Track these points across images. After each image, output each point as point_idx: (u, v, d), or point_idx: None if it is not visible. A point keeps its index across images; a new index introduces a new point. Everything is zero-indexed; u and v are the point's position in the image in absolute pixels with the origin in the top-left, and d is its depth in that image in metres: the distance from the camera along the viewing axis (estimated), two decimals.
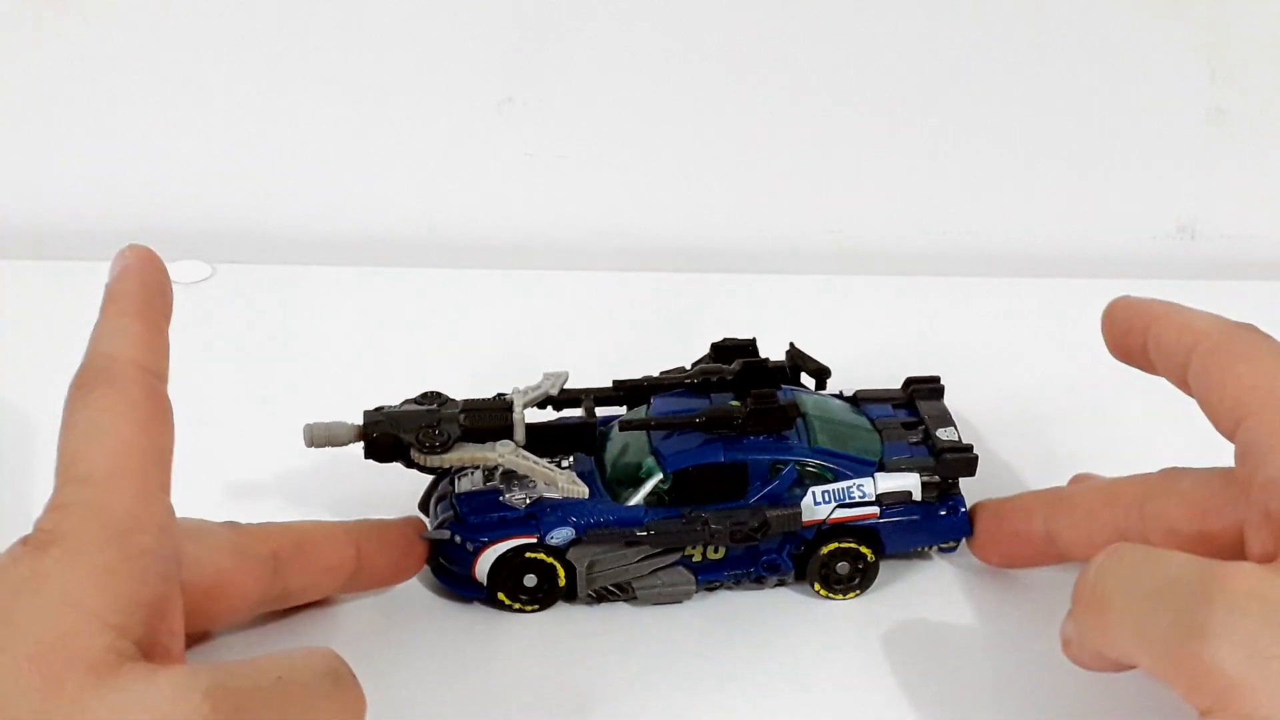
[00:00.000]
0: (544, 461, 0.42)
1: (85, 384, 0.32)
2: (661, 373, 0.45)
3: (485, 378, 0.52)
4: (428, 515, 0.44)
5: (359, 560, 0.40)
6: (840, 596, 0.44)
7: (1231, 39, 0.66)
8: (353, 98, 0.65)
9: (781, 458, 0.42)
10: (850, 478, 0.43)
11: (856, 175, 0.68)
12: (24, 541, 0.30)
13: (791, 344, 0.46)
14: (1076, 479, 0.45)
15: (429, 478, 0.44)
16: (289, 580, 0.39)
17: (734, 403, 0.43)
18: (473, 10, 0.63)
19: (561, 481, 0.41)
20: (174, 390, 0.53)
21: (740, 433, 0.42)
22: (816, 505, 0.42)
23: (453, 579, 0.42)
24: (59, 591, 0.29)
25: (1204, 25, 0.65)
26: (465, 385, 0.51)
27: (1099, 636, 0.34)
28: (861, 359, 0.50)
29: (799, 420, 0.43)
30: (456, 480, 0.43)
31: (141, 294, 0.35)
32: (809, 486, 0.42)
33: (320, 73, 0.64)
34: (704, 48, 0.65)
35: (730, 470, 0.42)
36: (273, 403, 0.53)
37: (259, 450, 0.50)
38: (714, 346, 0.46)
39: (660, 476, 0.42)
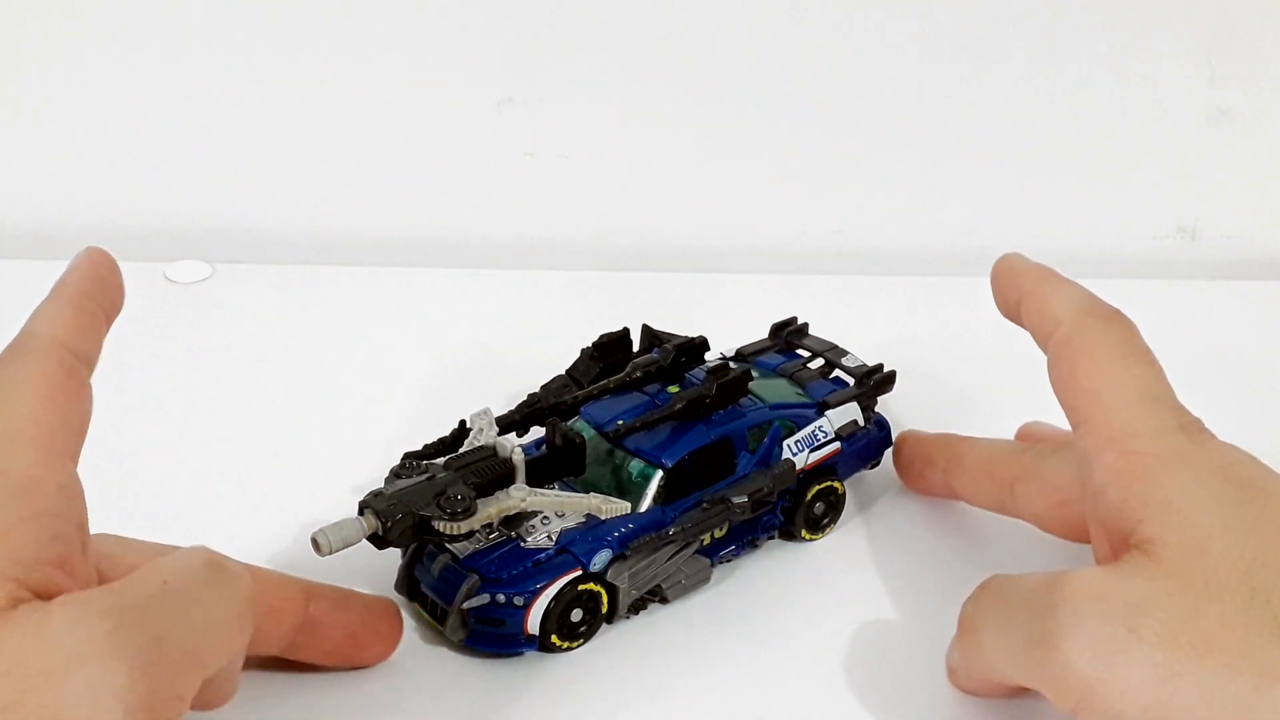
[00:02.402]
0: (566, 493, 0.41)
1: (4, 360, 0.33)
2: (589, 383, 0.45)
3: (485, 377, 0.52)
4: (410, 599, 0.41)
5: (306, 613, 0.38)
6: (821, 535, 0.46)
7: (1231, 39, 0.66)
8: (353, 98, 0.65)
9: (762, 420, 0.44)
10: (808, 423, 0.45)
11: (857, 175, 0.68)
12: None
13: (645, 325, 0.48)
14: (1023, 428, 0.47)
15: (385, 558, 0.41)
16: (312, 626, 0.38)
17: (672, 388, 0.44)
18: (473, 10, 0.63)
19: (600, 503, 0.40)
20: (174, 390, 0.54)
21: (709, 410, 0.43)
22: (795, 455, 0.45)
23: (500, 641, 0.40)
24: None
25: (1204, 25, 0.65)
26: (466, 385, 0.52)
27: (977, 661, 0.37)
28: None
29: None
30: (447, 548, 0.40)
31: (81, 285, 0.35)
32: (783, 441, 0.45)
33: (320, 73, 0.64)
34: (704, 48, 0.65)
35: (719, 447, 0.43)
36: (272, 403, 0.53)
37: (259, 450, 0.50)
38: (595, 345, 0.46)
39: (660, 474, 0.42)
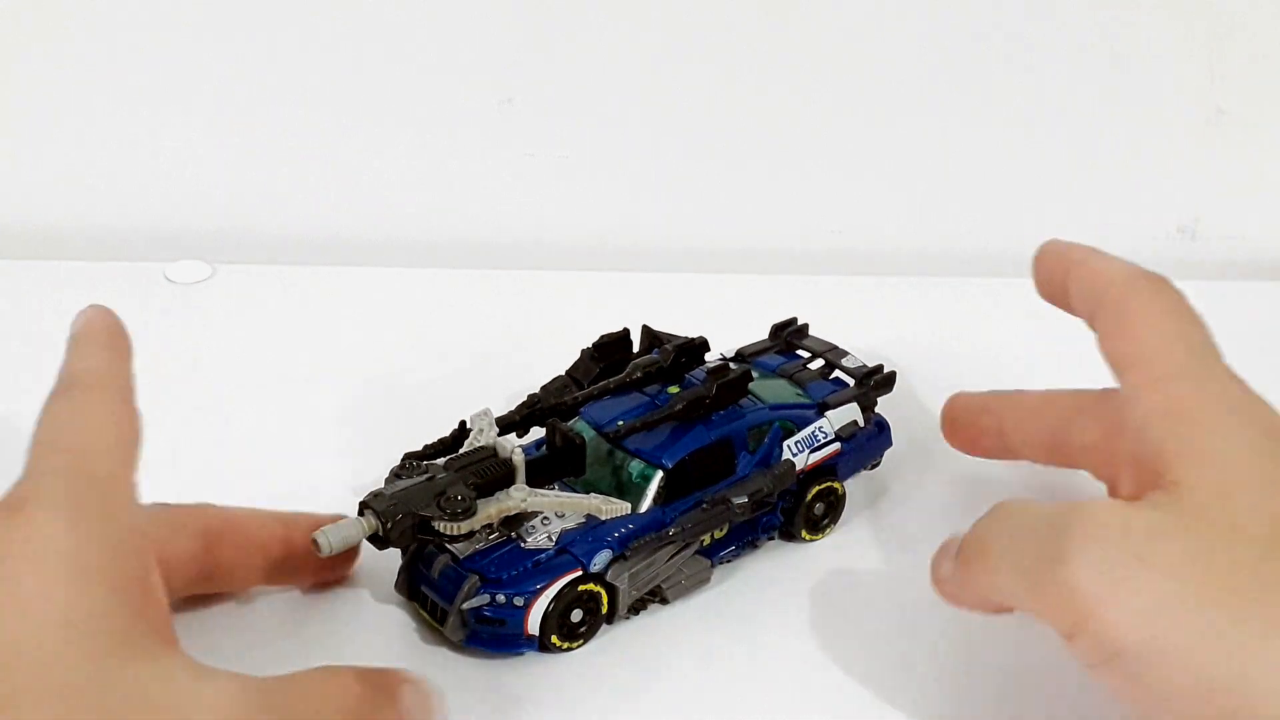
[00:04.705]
0: (565, 494, 0.41)
1: (61, 392, 0.34)
2: (589, 384, 0.45)
3: (486, 377, 0.52)
4: (410, 599, 0.42)
5: (289, 544, 0.40)
6: (821, 535, 0.46)
7: (1231, 39, 0.66)
8: (353, 98, 0.65)
9: (763, 421, 0.44)
10: (808, 424, 0.45)
11: (857, 175, 0.68)
12: (2, 507, 0.30)
13: (645, 326, 0.48)
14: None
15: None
16: (219, 556, 0.39)
17: (672, 389, 0.44)
18: (473, 11, 0.63)
19: (600, 504, 0.40)
20: (174, 390, 0.54)
21: (709, 411, 0.43)
22: (795, 455, 0.45)
23: (500, 641, 0.40)
24: (60, 554, 0.29)
25: (1204, 25, 0.65)
26: (466, 385, 0.51)
27: (983, 578, 0.37)
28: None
29: None
30: (447, 548, 0.40)
31: (106, 335, 0.37)
32: (782, 441, 0.45)
33: (321, 73, 0.64)
34: (705, 48, 0.65)
35: (720, 448, 0.43)
36: (272, 403, 0.53)
37: (259, 450, 0.50)
38: (595, 346, 0.46)
39: (661, 475, 0.42)
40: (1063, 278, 0.40)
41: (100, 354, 0.36)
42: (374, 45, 0.64)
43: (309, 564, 0.40)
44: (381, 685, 0.34)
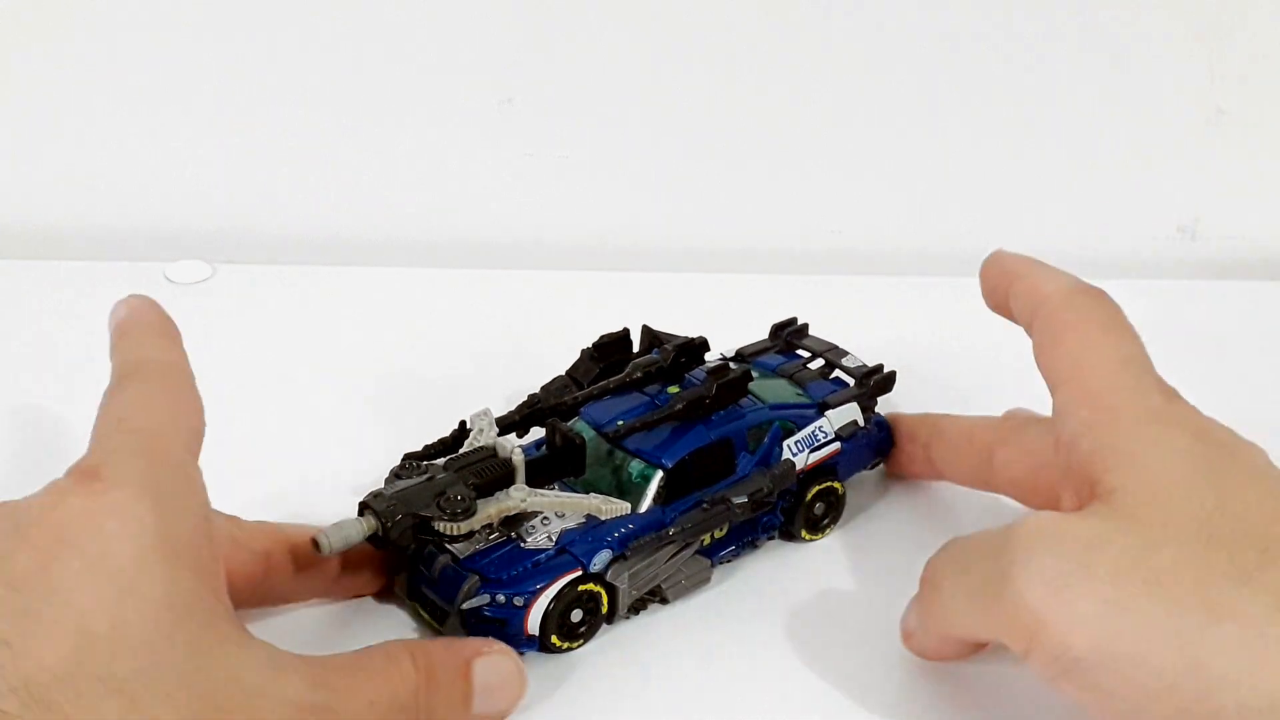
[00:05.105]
0: (565, 494, 0.41)
1: (123, 378, 0.34)
2: (589, 383, 0.45)
3: (486, 377, 0.52)
4: (409, 599, 0.41)
5: (342, 567, 0.41)
6: (821, 535, 0.46)
7: (1231, 39, 0.66)
8: (353, 98, 0.65)
9: (763, 420, 0.44)
10: (808, 423, 0.45)
11: (857, 175, 0.68)
12: (75, 474, 0.31)
13: (645, 326, 0.48)
14: (1009, 414, 0.47)
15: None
16: (276, 582, 0.39)
17: (672, 389, 0.44)
18: (473, 11, 0.63)
19: (600, 504, 0.40)
20: None
21: (709, 411, 0.43)
22: (795, 455, 0.45)
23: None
24: (152, 533, 0.29)
25: (1204, 25, 0.65)
26: (466, 385, 0.51)
27: (937, 615, 0.38)
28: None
29: None
30: (448, 548, 0.40)
31: (157, 324, 0.37)
32: (782, 441, 0.45)
33: (321, 73, 0.64)
34: (705, 48, 0.65)
35: (719, 448, 0.43)
36: (272, 403, 0.53)
37: (259, 451, 0.50)
38: (595, 346, 0.46)
39: (660, 475, 0.42)
40: (1005, 290, 0.41)
41: (158, 341, 0.36)
42: (374, 45, 0.64)
43: (356, 584, 0.41)
44: (446, 664, 0.35)
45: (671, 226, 0.69)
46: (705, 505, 0.42)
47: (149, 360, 0.35)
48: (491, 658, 0.36)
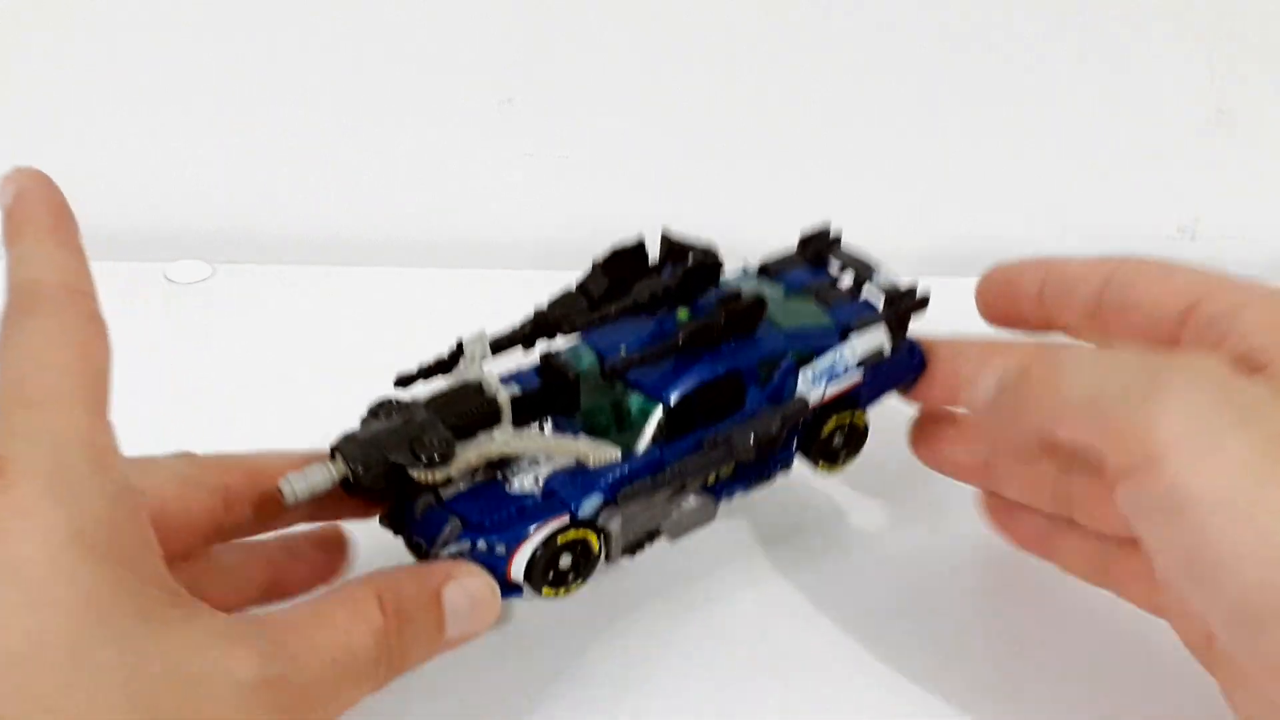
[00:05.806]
0: (553, 435, 0.39)
1: (19, 311, 0.31)
2: (600, 296, 0.41)
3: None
4: (396, 534, 0.39)
5: (318, 502, 0.37)
6: (840, 466, 0.43)
7: (1231, 39, 0.66)
8: (353, 98, 0.65)
9: (776, 351, 0.40)
10: (829, 351, 0.41)
11: (857, 175, 0.68)
12: None
13: (664, 233, 0.43)
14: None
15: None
16: (243, 510, 0.37)
17: (682, 312, 0.41)
18: (473, 11, 0.63)
19: (588, 449, 0.37)
20: (173, 390, 0.54)
21: (718, 341, 0.40)
22: (812, 386, 0.41)
23: None
24: (63, 531, 0.27)
25: (1204, 25, 0.65)
26: None
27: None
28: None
29: None
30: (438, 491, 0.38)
31: (50, 219, 0.33)
32: (798, 371, 0.41)
33: (321, 73, 0.64)
34: (705, 48, 0.65)
35: (727, 382, 0.40)
36: (272, 403, 0.53)
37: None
38: (603, 263, 0.42)
39: (659, 412, 0.39)
40: (1035, 285, 0.40)
41: (51, 253, 0.32)
42: (374, 45, 0.64)
43: (342, 508, 0.38)
44: (416, 597, 0.33)
45: (671, 226, 0.69)
46: (707, 445, 0.39)
47: (45, 284, 0.31)
48: (461, 580, 0.34)
